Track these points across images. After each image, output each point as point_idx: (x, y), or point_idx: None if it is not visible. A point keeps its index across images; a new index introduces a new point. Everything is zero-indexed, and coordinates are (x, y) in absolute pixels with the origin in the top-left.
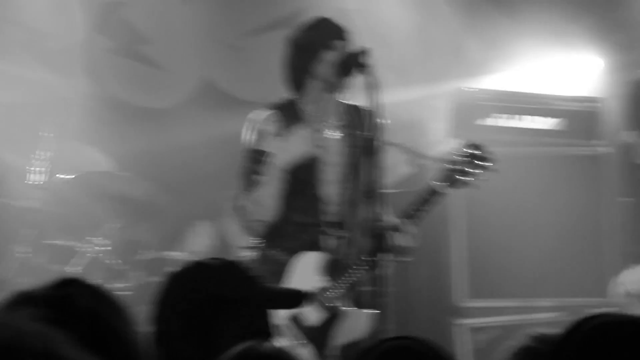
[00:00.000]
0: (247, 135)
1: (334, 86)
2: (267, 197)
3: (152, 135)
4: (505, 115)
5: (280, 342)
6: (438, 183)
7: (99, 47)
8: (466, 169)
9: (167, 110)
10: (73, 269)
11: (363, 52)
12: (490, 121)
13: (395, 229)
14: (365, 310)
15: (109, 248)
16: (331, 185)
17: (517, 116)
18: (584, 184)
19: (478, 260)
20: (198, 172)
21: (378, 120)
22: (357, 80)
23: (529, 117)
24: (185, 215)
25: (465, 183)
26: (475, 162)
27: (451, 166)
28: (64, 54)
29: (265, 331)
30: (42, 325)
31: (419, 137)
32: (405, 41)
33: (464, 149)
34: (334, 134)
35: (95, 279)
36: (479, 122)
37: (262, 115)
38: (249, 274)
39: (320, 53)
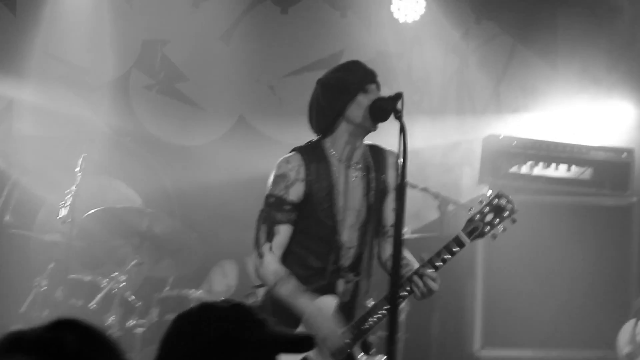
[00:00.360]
0: (271, 181)
1: (365, 130)
2: (273, 263)
3: (182, 173)
4: (536, 164)
5: None
6: (465, 234)
7: (137, 83)
8: (492, 221)
9: (199, 148)
10: (90, 305)
11: (397, 97)
12: (520, 169)
13: (419, 274)
14: (376, 358)
15: (125, 284)
16: (350, 229)
17: (547, 165)
18: (608, 234)
19: (493, 308)
20: (225, 212)
21: (403, 164)
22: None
23: (559, 166)
24: (209, 254)
25: (490, 235)
26: (502, 214)
27: (478, 217)
28: (101, 90)
29: None
30: None
31: (451, 183)
32: (442, 86)
33: (493, 200)
34: (357, 177)
35: (111, 315)
36: (510, 169)
37: (287, 159)
38: (258, 316)
39: (355, 96)
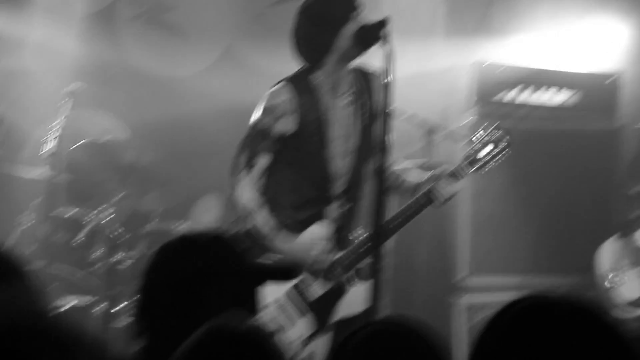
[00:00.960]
0: (260, 111)
1: (351, 58)
2: (249, 192)
3: (169, 104)
4: (523, 91)
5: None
6: (461, 165)
7: (123, 14)
8: (492, 153)
9: (186, 79)
10: (76, 239)
11: (384, 23)
12: (507, 96)
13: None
14: (363, 285)
15: (112, 217)
16: (341, 157)
17: (534, 91)
18: (594, 159)
19: (480, 236)
20: (211, 144)
21: (390, 89)
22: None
23: (547, 92)
24: (195, 186)
25: (485, 167)
26: (498, 147)
27: (475, 149)
28: (87, 21)
29: (252, 305)
30: None
31: (438, 109)
32: (431, 10)
33: (489, 132)
34: (346, 105)
35: (97, 249)
36: (496, 96)
37: (277, 91)
38: (239, 246)
39: (341, 27)
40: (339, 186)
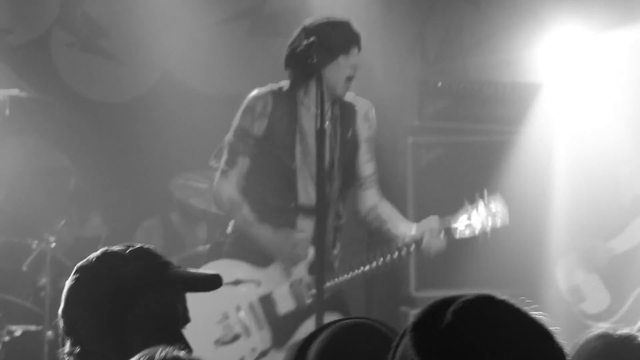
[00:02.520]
0: (240, 113)
1: (341, 88)
2: (230, 188)
3: (108, 130)
4: (459, 103)
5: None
6: (457, 228)
7: (58, 42)
8: (484, 223)
9: (124, 104)
10: (22, 267)
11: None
12: (445, 110)
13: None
14: (338, 313)
15: (55, 245)
16: (310, 174)
17: (469, 104)
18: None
19: None
20: (152, 168)
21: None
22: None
23: (480, 105)
24: (137, 211)
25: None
26: (495, 219)
27: (474, 215)
28: (23, 50)
29: (183, 317)
30: None
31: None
32: (368, 32)
33: (489, 203)
34: (321, 126)
35: (43, 276)
36: (434, 110)
37: (257, 94)
38: (160, 258)
39: (337, 56)
40: (306, 199)
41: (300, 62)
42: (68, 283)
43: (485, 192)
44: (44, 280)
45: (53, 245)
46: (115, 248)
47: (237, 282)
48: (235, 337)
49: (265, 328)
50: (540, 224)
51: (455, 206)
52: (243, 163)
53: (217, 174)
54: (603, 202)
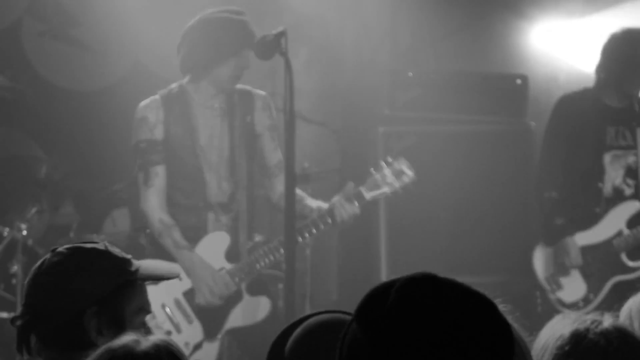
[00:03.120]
0: (135, 127)
1: (226, 87)
2: (153, 201)
3: (80, 118)
4: (432, 93)
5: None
6: (364, 190)
7: (29, 31)
8: (392, 183)
9: (97, 92)
10: None
11: (281, 34)
12: (417, 100)
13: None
14: (260, 296)
15: (27, 232)
16: (216, 168)
17: (444, 94)
18: (508, 161)
19: (399, 237)
20: (122, 157)
21: (290, 98)
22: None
23: (457, 94)
24: (106, 200)
25: (388, 194)
26: (402, 179)
27: (379, 177)
28: None
29: (145, 309)
30: None
31: (351, 117)
32: (340, 21)
33: (392, 164)
34: (218, 119)
35: (15, 264)
36: (406, 100)
37: (145, 104)
38: (116, 256)
39: (227, 58)
40: (216, 196)
41: (192, 61)
42: (26, 286)
43: (389, 157)
44: (15, 268)
45: (24, 232)
46: (61, 249)
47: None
48: (169, 334)
49: (195, 321)
50: (519, 212)
51: (428, 195)
52: (161, 172)
53: (141, 196)
54: (581, 193)
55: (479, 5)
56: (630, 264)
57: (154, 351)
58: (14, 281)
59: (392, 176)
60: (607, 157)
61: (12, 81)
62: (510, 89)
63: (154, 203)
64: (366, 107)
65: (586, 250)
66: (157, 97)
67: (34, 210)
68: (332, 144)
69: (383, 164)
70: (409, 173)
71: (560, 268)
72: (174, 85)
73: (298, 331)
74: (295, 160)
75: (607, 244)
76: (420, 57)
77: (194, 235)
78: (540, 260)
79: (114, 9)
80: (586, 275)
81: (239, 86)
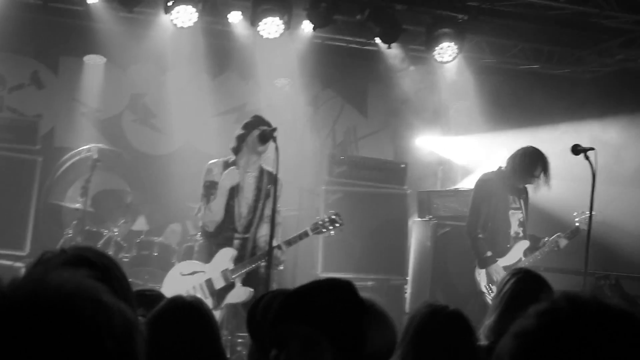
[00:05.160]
0: (205, 173)
1: (256, 150)
2: (216, 207)
3: (152, 171)
4: (352, 170)
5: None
6: (310, 230)
7: (127, 118)
8: (328, 227)
9: (161, 157)
10: (97, 245)
11: (274, 129)
12: (343, 173)
13: (279, 247)
14: (246, 287)
15: (117, 233)
16: (244, 209)
17: (358, 171)
18: (392, 211)
19: (330, 245)
20: (178, 191)
21: (276, 167)
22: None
23: (367, 171)
24: (166, 217)
25: (325, 234)
26: (335, 225)
27: (321, 223)
28: (106, 122)
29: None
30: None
31: (306, 179)
32: (302, 126)
33: (331, 215)
34: (251, 180)
35: (109, 251)
36: (337, 172)
37: (214, 162)
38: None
39: (252, 131)
40: (239, 226)
41: (263, 138)
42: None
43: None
44: (110, 253)
45: (116, 233)
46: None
47: (193, 273)
48: None
49: (210, 297)
50: (397, 234)
51: (347, 225)
52: (214, 199)
53: (202, 209)
54: (499, 235)
55: (376, 120)
56: None
57: (196, 299)
58: None
59: (328, 223)
60: (509, 214)
61: (114, 147)
62: (397, 169)
63: (209, 213)
64: (315, 174)
65: (505, 268)
66: (219, 160)
67: (122, 221)
68: (295, 195)
69: (325, 215)
70: (340, 222)
71: (491, 280)
72: (229, 156)
73: (265, 299)
74: (276, 210)
75: (514, 264)
76: (348, 148)
77: (225, 242)
78: (479, 276)
79: (175, 108)
80: None
81: (268, 168)
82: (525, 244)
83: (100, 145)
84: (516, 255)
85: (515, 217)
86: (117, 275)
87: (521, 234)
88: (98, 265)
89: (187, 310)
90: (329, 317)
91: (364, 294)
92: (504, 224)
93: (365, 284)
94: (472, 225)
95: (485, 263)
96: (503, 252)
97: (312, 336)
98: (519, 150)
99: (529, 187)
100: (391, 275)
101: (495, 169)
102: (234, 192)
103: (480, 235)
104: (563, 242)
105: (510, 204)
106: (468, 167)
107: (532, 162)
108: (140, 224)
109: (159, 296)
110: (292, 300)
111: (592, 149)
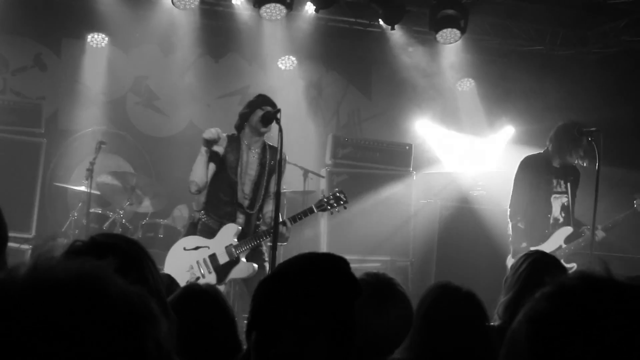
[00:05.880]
0: (207, 133)
1: (258, 130)
2: (196, 166)
3: (155, 152)
4: (357, 151)
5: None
6: (315, 207)
7: (131, 100)
8: (333, 204)
9: (165, 138)
10: (103, 227)
11: (278, 110)
12: (348, 154)
13: (284, 223)
14: (250, 263)
15: (122, 215)
16: (247, 185)
17: (363, 153)
18: (396, 192)
19: (336, 230)
20: (181, 177)
21: (280, 149)
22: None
23: (371, 152)
24: (172, 199)
25: (329, 212)
26: (339, 202)
27: (326, 200)
28: (110, 104)
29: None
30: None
31: (311, 161)
32: (307, 108)
33: (337, 193)
34: (254, 157)
35: (115, 232)
36: (342, 154)
37: (222, 135)
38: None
39: (255, 110)
40: (242, 200)
41: (267, 119)
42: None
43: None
44: None
45: (121, 215)
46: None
47: (197, 248)
48: (197, 279)
49: (213, 272)
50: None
51: (351, 205)
52: (211, 165)
53: (196, 161)
54: (539, 220)
55: (388, 102)
56: (567, 265)
57: (211, 287)
58: None
59: (333, 200)
60: (552, 198)
61: (119, 129)
62: (402, 151)
63: (190, 174)
64: (320, 157)
65: None
66: (227, 135)
67: (127, 203)
68: (299, 176)
69: (331, 191)
70: (344, 199)
71: None
72: (233, 132)
73: (275, 270)
74: (280, 186)
75: (554, 252)
76: (353, 130)
77: (228, 218)
78: (510, 263)
79: (178, 90)
80: None
81: (270, 143)
82: (567, 230)
83: (104, 127)
84: (557, 242)
85: (559, 202)
86: (148, 265)
87: (561, 220)
88: (129, 254)
89: (203, 297)
90: (326, 306)
91: (383, 274)
92: (544, 209)
93: (374, 265)
94: (513, 210)
95: (517, 254)
96: (541, 238)
97: (309, 326)
98: (559, 126)
99: (580, 168)
100: (396, 256)
101: (541, 150)
102: (225, 161)
103: (519, 225)
104: (600, 235)
105: (555, 187)
106: (469, 148)
107: (578, 134)
108: (146, 206)
109: (172, 282)
110: (283, 282)
111: (597, 130)
